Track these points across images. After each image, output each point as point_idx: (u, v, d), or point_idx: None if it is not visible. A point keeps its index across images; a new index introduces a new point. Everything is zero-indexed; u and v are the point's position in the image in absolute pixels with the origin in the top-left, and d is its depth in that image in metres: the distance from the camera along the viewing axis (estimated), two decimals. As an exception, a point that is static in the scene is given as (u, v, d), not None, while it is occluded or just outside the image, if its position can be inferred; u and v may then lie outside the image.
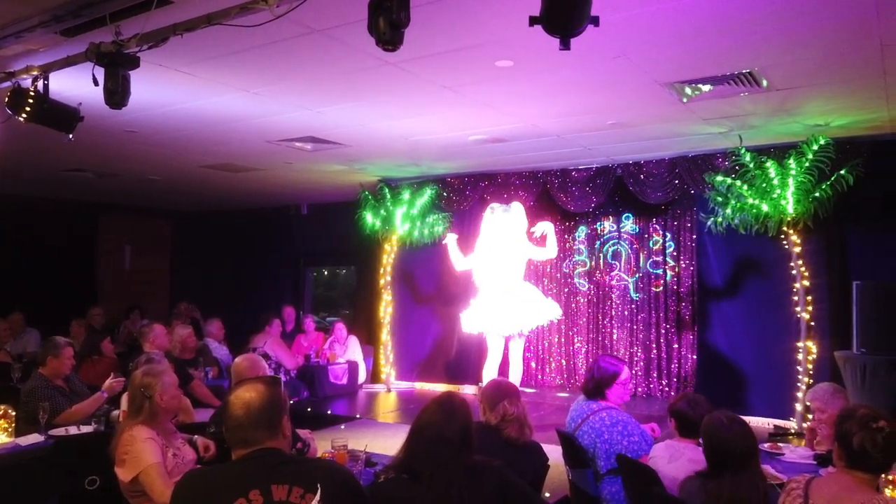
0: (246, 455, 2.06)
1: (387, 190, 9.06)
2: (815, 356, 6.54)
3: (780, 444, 4.05)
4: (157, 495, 2.84)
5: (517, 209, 7.47)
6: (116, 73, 3.76)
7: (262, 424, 2.07)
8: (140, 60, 3.80)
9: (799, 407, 6.51)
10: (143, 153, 7.43)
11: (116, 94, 3.80)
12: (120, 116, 5.16)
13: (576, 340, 8.89)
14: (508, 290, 7.18)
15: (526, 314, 7.09)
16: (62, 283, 10.37)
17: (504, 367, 7.43)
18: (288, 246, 11.68)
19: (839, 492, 2.23)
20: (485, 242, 7.48)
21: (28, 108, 4.33)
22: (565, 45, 2.84)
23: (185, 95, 5.29)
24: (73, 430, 4.23)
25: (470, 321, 7.41)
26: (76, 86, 4.46)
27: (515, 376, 7.21)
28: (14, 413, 4.09)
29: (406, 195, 8.92)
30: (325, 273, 13.14)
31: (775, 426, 6.28)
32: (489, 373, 7.25)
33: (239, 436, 2.07)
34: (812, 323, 6.56)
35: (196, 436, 3.54)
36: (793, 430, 6.01)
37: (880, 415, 2.28)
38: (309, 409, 7.46)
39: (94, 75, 3.76)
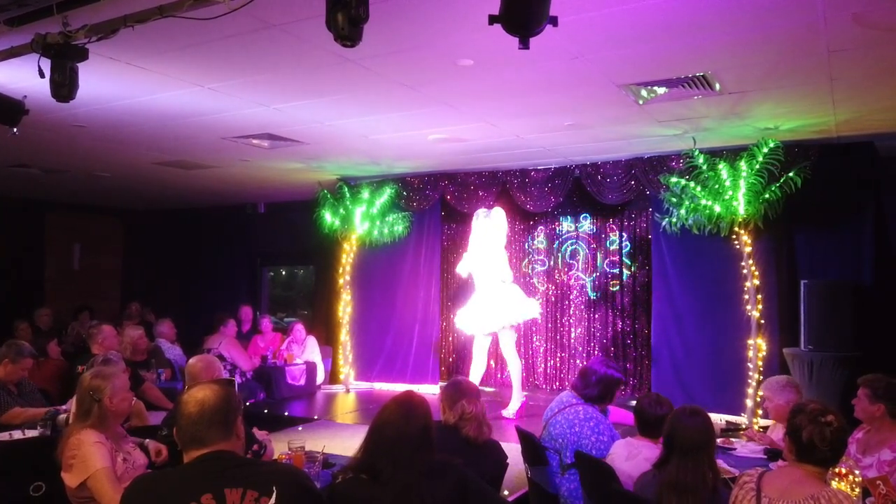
0: (198, 458, 2.00)
1: (346, 189, 8.98)
2: (764, 353, 6.73)
3: (733, 440, 4.14)
4: (106, 501, 2.75)
5: (497, 213, 7.55)
6: (64, 65, 3.63)
7: (216, 423, 2.03)
8: (89, 52, 3.67)
9: (749, 403, 6.68)
10: (92, 149, 7.20)
11: (64, 86, 3.67)
12: (68, 110, 5.00)
13: (535, 339, 8.96)
14: (491, 290, 7.30)
15: (504, 313, 7.17)
16: (7, 283, 10.00)
17: (466, 364, 7.50)
18: (244, 245, 11.47)
19: (790, 485, 2.29)
20: (472, 246, 7.59)
21: (-31, 101, 4.17)
22: (524, 45, 2.86)
23: (137, 90, 5.15)
24: (17, 435, 4.08)
25: (463, 321, 7.48)
26: (21, 77, 4.30)
27: (477, 374, 7.27)
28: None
29: (365, 194, 8.86)
30: (283, 273, 12.96)
31: (727, 422, 6.42)
32: (477, 371, 7.35)
33: (191, 433, 2.02)
34: (762, 321, 6.75)
35: (147, 440, 3.45)
36: (744, 426, 6.15)
37: (830, 409, 2.34)
38: (266, 411, 7.34)
39: (39, 67, 3.62)
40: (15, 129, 4.46)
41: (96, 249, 11.96)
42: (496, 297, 7.21)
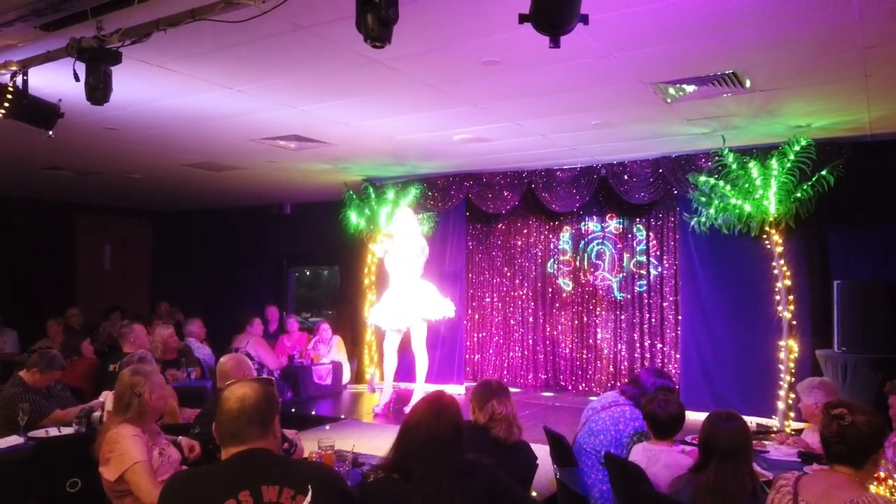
0: (236, 455, 2.03)
1: (371, 189, 9.02)
2: (796, 355, 6.61)
3: (765, 442, 4.08)
4: (144, 494, 2.79)
5: (403, 212, 7.92)
6: (98, 68, 3.70)
7: (255, 420, 2.05)
8: (122, 56, 3.74)
9: (781, 405, 6.57)
10: (123, 151, 7.32)
11: (98, 90, 3.74)
12: (101, 113, 5.07)
13: (560, 340, 8.92)
14: (404, 286, 7.55)
15: (417, 308, 7.41)
16: (40, 283, 10.21)
17: (410, 363, 7.72)
18: (271, 246, 11.58)
19: (828, 489, 2.24)
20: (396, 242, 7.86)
21: (7, 104, 4.25)
22: (555, 44, 2.84)
23: (168, 92, 5.22)
24: (53, 432, 4.16)
25: (377, 316, 7.72)
26: (56, 81, 4.38)
27: (389, 371, 7.58)
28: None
29: (391, 195, 8.88)
30: (308, 273, 13.05)
31: (758, 424, 6.33)
32: (389, 368, 7.63)
33: (231, 430, 2.05)
34: (794, 322, 6.63)
35: (180, 437, 3.50)
36: (775, 429, 6.06)
37: (850, 405, 2.27)
38: (293, 410, 7.39)
39: (74, 71, 3.69)
40: (50, 133, 4.55)
41: (126, 250, 12.17)
42: (409, 293, 7.46)
